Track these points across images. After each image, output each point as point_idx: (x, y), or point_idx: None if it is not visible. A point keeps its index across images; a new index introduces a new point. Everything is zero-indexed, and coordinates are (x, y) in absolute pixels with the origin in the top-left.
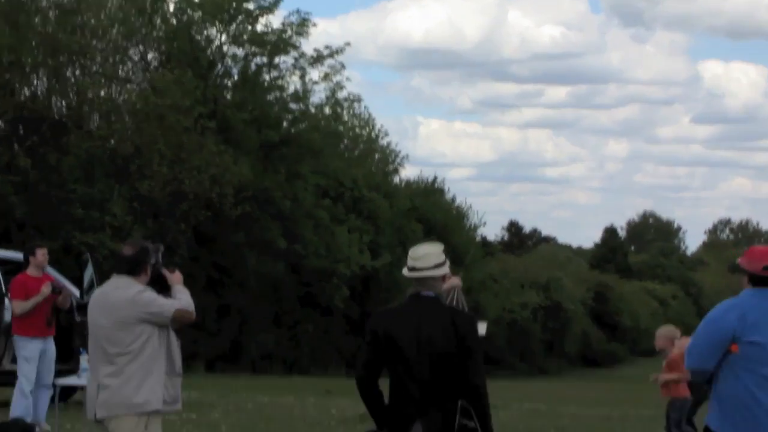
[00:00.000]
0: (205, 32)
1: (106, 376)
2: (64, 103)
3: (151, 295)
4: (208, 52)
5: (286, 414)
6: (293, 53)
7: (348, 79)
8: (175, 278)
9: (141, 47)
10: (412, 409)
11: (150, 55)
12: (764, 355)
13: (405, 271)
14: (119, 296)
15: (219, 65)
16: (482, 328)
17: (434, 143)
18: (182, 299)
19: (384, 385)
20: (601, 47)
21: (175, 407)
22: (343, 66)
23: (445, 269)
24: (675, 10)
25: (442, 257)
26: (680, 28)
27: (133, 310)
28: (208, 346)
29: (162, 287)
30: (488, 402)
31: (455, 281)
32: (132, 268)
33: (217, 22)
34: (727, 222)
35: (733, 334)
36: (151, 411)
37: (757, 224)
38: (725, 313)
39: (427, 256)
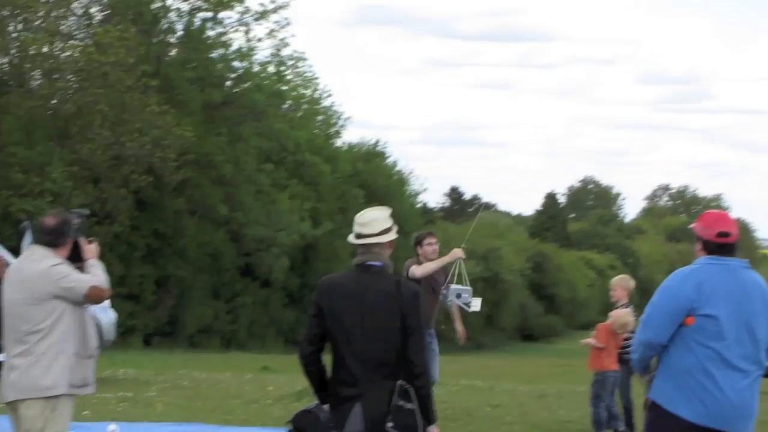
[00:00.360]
0: None
1: (15, 356)
2: (6, 59)
3: (65, 269)
4: (152, 6)
5: (222, 391)
6: (238, 8)
7: (293, 35)
8: (90, 251)
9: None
10: (354, 389)
11: (93, 9)
12: (718, 329)
13: (351, 238)
14: (32, 269)
15: (163, 21)
16: (477, 303)
17: (376, 104)
18: (97, 275)
19: (328, 360)
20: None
21: (85, 390)
22: (288, 22)
23: (392, 235)
24: None
25: (389, 222)
26: None
27: (45, 283)
28: (145, 320)
29: (75, 256)
30: (429, 382)
31: (458, 253)
32: (52, 239)
33: None
34: (666, 188)
35: (689, 305)
36: (58, 395)
37: (695, 190)
38: (681, 283)
39: (374, 222)
